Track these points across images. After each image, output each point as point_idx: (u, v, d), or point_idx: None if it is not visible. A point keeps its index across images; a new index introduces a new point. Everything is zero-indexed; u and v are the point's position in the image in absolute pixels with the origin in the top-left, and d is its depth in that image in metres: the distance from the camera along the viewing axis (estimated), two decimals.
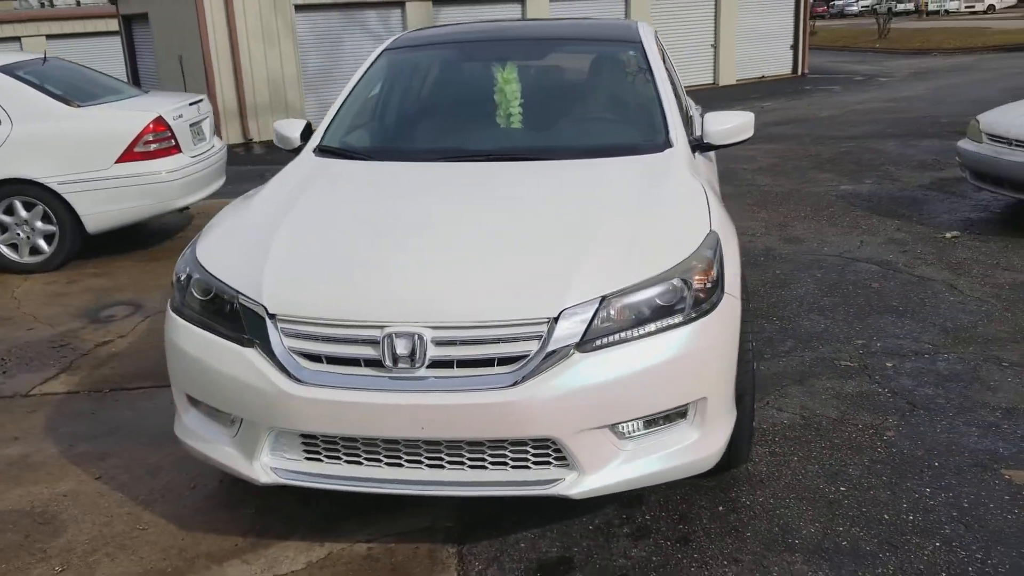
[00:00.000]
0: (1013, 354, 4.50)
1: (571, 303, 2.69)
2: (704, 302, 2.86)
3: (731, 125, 3.95)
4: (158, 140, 6.63)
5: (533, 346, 2.66)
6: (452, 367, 2.68)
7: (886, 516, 3.16)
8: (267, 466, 2.87)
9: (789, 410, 3.99)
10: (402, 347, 2.67)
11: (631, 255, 2.88)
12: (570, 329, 2.67)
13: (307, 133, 4.18)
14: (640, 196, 3.26)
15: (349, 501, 3.32)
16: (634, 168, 3.55)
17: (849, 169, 9.50)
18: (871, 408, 3.98)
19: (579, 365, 2.65)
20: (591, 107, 4.21)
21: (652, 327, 2.76)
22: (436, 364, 2.68)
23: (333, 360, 2.75)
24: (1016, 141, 6.67)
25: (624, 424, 2.75)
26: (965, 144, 7.28)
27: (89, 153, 6.59)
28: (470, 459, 2.75)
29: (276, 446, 2.87)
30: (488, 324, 2.66)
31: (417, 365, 2.67)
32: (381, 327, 2.69)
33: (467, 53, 4.46)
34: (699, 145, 3.96)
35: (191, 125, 7.19)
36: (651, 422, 2.80)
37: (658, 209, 3.18)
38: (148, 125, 6.62)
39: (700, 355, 2.81)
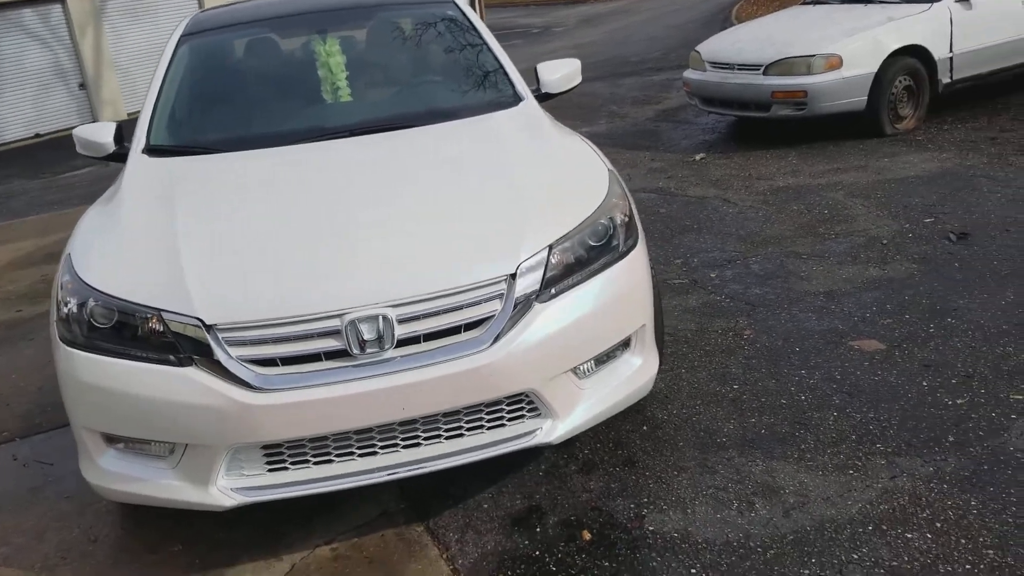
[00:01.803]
0: (804, 247, 5.12)
1: (525, 256, 2.73)
2: (628, 236, 3.02)
3: (564, 72, 4.12)
4: None
5: (497, 305, 2.68)
6: (419, 342, 2.63)
7: (783, 401, 3.53)
8: (227, 488, 2.66)
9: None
10: (368, 331, 2.58)
11: (558, 203, 2.96)
12: (528, 282, 2.72)
13: (120, 137, 3.81)
14: (530, 148, 3.34)
15: (282, 512, 3.16)
16: (504, 124, 3.61)
17: (577, 114, 10.07)
18: (720, 315, 4.38)
19: (541, 315, 2.71)
20: (432, 70, 4.19)
21: (594, 267, 2.87)
22: (402, 342, 2.62)
23: (289, 360, 2.59)
24: (738, 65, 7.45)
25: (582, 365, 2.85)
26: (690, 74, 8.01)
27: None
28: (447, 430, 2.72)
29: (233, 465, 2.67)
30: (451, 291, 2.64)
31: (385, 347, 2.59)
32: (340, 315, 2.58)
33: (282, 29, 4.24)
34: (539, 95, 4.09)
35: None
36: (600, 359, 2.93)
37: (554, 158, 3.28)
38: None
39: (636, 285, 2.97)
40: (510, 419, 2.78)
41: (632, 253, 2.98)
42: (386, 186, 3.10)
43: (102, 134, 3.80)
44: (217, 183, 3.32)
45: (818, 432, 3.28)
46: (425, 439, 2.72)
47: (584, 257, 2.86)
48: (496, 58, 4.05)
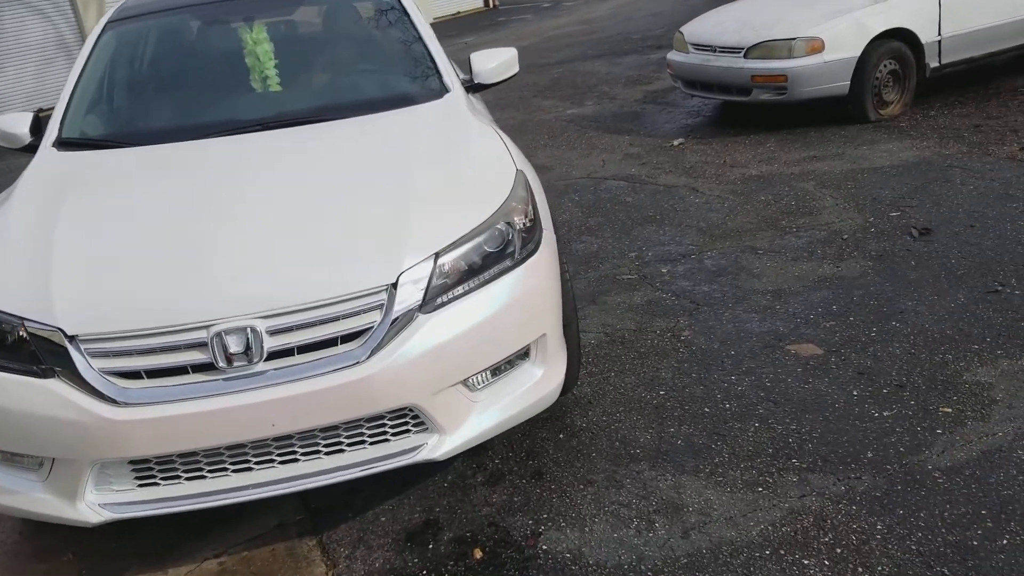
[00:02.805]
0: (762, 241, 4.96)
1: (408, 265, 2.62)
2: (529, 241, 2.90)
3: (499, 62, 3.98)
4: None
5: (376, 317, 2.57)
6: (292, 355, 2.53)
7: (707, 409, 3.40)
8: (94, 504, 2.58)
9: (592, 330, 4.16)
10: (235, 344, 2.48)
11: (452, 207, 2.84)
12: (410, 292, 2.60)
13: (37, 127, 3.71)
14: (439, 145, 3.22)
15: (181, 521, 3.09)
16: (421, 118, 3.48)
17: (568, 93, 9.89)
18: (662, 313, 4.24)
19: (425, 327, 2.60)
20: (358, 60, 4.06)
21: (487, 275, 2.75)
22: (274, 355, 2.52)
23: (155, 373, 2.50)
24: (719, 47, 7.24)
25: (474, 376, 2.74)
26: (674, 56, 7.81)
27: None
28: (326, 446, 2.63)
29: (102, 480, 2.59)
30: (326, 302, 2.54)
31: (255, 360, 2.49)
32: (206, 327, 2.48)
33: (208, 16, 4.12)
34: (471, 86, 3.96)
35: None
36: (497, 369, 2.81)
37: (461, 156, 3.15)
38: None
39: (535, 293, 2.85)
40: (394, 434, 2.68)
41: (531, 260, 2.86)
42: (279, 186, 2.99)
43: (18, 125, 3.70)
44: (110, 182, 3.22)
45: (735, 444, 3.16)
46: (303, 455, 2.63)
47: (477, 264, 2.75)
48: (426, 48, 3.92)
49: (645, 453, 3.18)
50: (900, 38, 6.89)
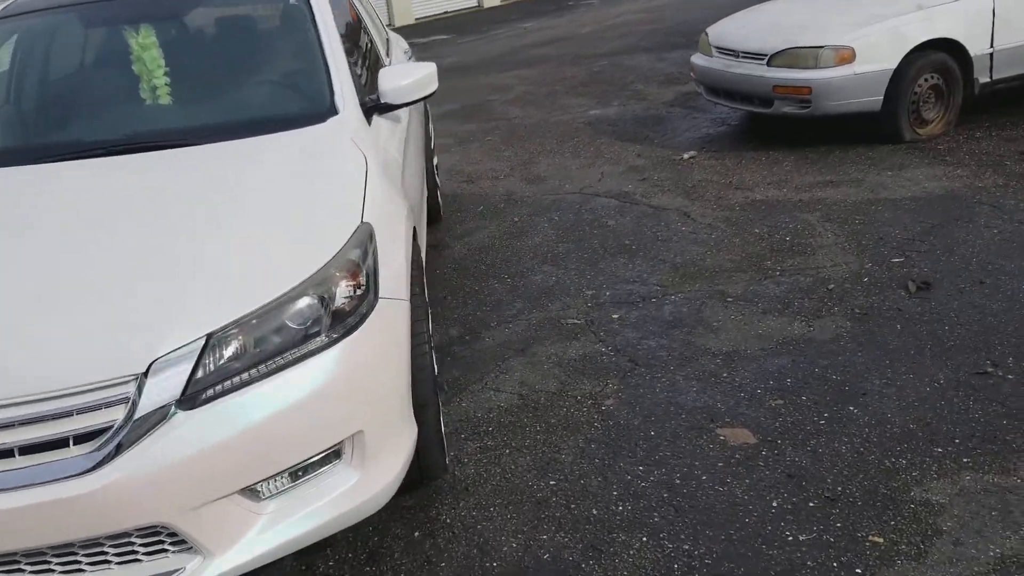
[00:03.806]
0: (737, 286, 4.35)
1: (165, 351, 2.16)
2: (350, 315, 2.41)
3: (410, 80, 3.48)
4: None
5: (119, 413, 2.12)
6: (13, 456, 2.09)
7: (595, 511, 2.87)
8: None
9: (507, 389, 3.65)
10: None
11: (251, 273, 2.37)
12: (167, 384, 2.14)
13: None
14: (280, 187, 2.74)
15: None
16: (283, 149, 3.00)
17: (600, 91, 9.28)
18: (593, 373, 3.70)
19: (184, 427, 2.14)
20: (245, 73, 3.59)
21: (280, 360, 2.27)
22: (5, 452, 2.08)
23: None
24: (743, 53, 6.56)
25: (263, 483, 2.27)
26: (697, 59, 7.15)
27: None
28: (60, 564, 2.19)
29: None
30: (54, 395, 2.10)
31: None
32: None
33: (90, 16, 3.72)
34: (377, 106, 3.46)
35: None
36: (297, 473, 2.34)
37: (297, 204, 2.66)
38: None
39: (350, 382, 2.36)
40: (147, 553, 2.22)
41: (350, 339, 2.36)
42: (62, 238, 2.56)
43: None
44: None
45: (609, 567, 2.62)
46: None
47: (268, 347, 2.27)
48: (325, 61, 3.42)
49: (502, 567, 2.67)
50: (945, 49, 6.10)
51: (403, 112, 3.73)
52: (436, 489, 3.04)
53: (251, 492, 2.26)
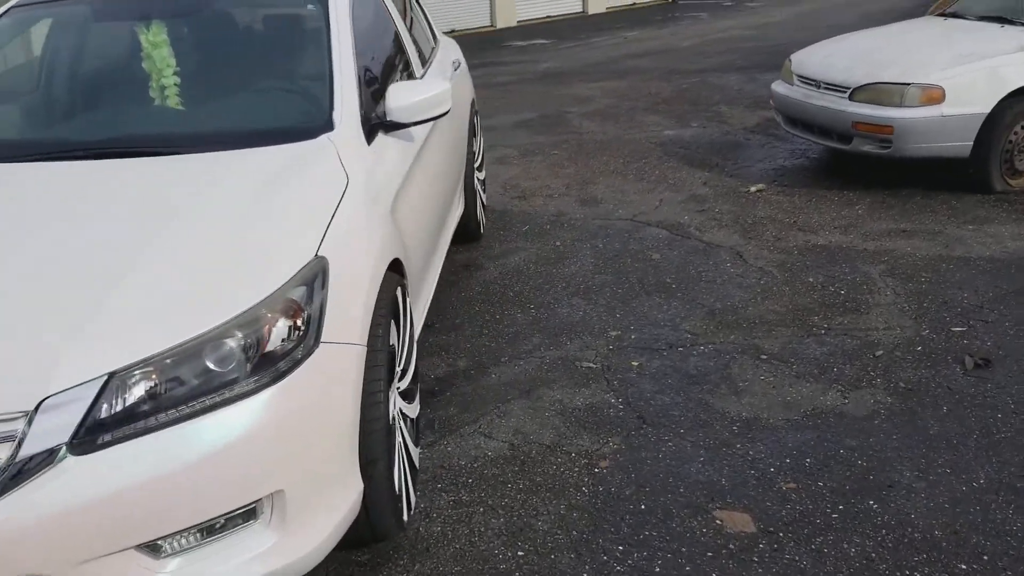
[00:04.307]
0: (775, 341, 3.98)
1: (58, 388, 1.97)
2: (281, 359, 2.18)
3: (419, 99, 3.25)
4: None
5: (4, 451, 1.94)
6: None
7: None
8: None
9: (500, 435, 3.38)
10: None
11: (173, 306, 2.16)
12: (57, 424, 1.96)
13: None
14: (234, 211, 2.53)
15: None
16: (260, 165, 2.80)
17: (681, 110, 8.90)
18: (595, 427, 3.40)
19: (74, 472, 1.95)
20: (247, 80, 3.41)
21: (195, 406, 2.06)
22: None
23: None
24: (824, 84, 6.13)
25: (166, 540, 2.06)
26: (778, 86, 6.73)
27: None
28: None
29: None
30: None
31: None
32: None
33: (103, 10, 3.61)
34: (383, 124, 3.24)
35: None
36: (207, 530, 2.12)
37: (249, 230, 2.44)
38: None
39: (271, 435, 2.14)
40: None
41: (275, 387, 2.14)
42: (14, 247, 2.41)
43: None
44: None
45: None
46: None
47: (181, 391, 2.06)
48: (331, 71, 3.21)
49: None
50: None
51: (418, 130, 3.50)
52: (395, 546, 2.79)
53: (150, 548, 2.06)
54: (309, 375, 2.22)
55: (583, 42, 15.29)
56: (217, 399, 2.08)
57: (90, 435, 1.97)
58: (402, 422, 2.88)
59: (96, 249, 2.35)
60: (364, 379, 2.43)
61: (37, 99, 3.43)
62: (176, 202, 2.56)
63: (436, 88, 3.28)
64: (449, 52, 5.10)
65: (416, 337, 3.33)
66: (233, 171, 2.74)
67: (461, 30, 17.82)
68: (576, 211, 5.97)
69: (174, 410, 2.04)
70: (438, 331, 4.27)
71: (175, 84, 3.32)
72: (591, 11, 20.70)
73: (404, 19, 4.35)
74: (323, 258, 2.38)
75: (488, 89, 10.96)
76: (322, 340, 2.27)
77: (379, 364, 2.49)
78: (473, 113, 5.26)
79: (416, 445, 3.07)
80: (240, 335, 2.13)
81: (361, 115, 3.15)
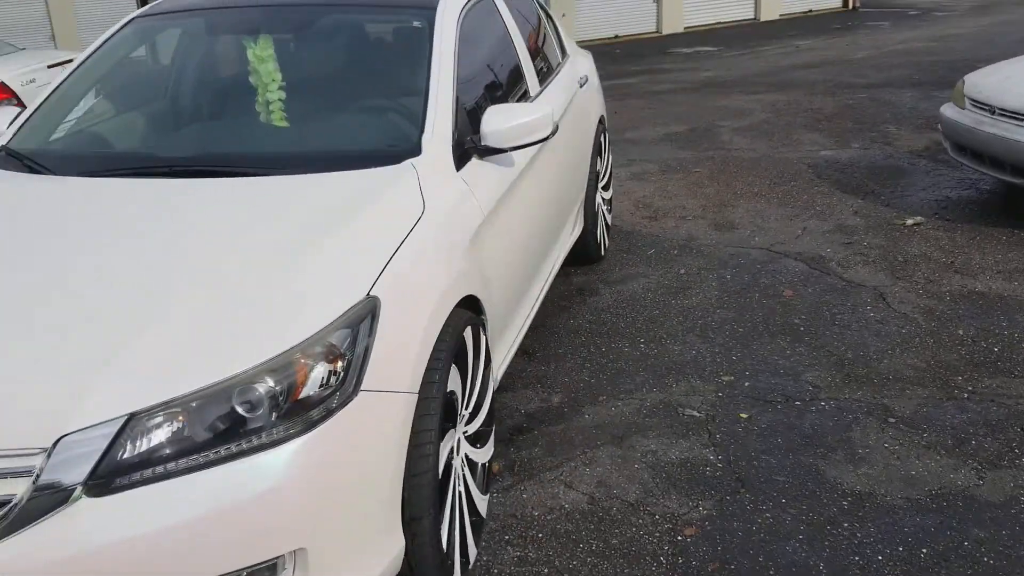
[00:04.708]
0: (908, 403, 3.55)
1: (77, 426, 1.90)
2: (314, 407, 2.04)
3: (514, 123, 3.06)
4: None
5: (20, 488, 1.88)
6: None
7: None
8: None
9: (581, 487, 3.14)
10: None
11: (206, 345, 2.05)
12: (73, 463, 1.88)
13: None
14: (291, 242, 2.40)
15: None
16: (335, 192, 2.67)
17: (843, 128, 8.33)
18: (686, 487, 3.11)
19: (87, 514, 1.87)
20: (343, 99, 3.31)
21: (219, 453, 1.95)
22: None
23: None
24: (999, 110, 5.52)
25: None
26: (947, 110, 6.13)
27: None
28: None
29: None
30: None
31: None
32: None
33: (221, 23, 3.60)
34: (473, 149, 3.08)
35: None
36: None
37: (301, 264, 2.30)
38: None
39: (293, 489, 1.99)
40: None
41: (304, 438, 2.00)
42: (50, 264, 2.38)
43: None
44: None
45: None
46: None
47: (205, 436, 1.95)
48: (426, 94, 3.06)
49: None
50: None
51: (519, 155, 3.31)
52: None
53: None
54: (344, 425, 2.07)
55: (750, 50, 14.69)
56: (244, 446, 1.96)
57: (106, 477, 1.88)
58: (466, 468, 2.70)
59: (141, 276, 2.28)
60: (412, 429, 2.26)
61: (139, 113, 3.46)
62: (234, 230, 2.46)
63: (535, 112, 3.08)
64: (578, 67, 4.88)
65: (497, 376, 3.15)
66: (304, 198, 2.63)
67: (625, 36, 17.55)
68: (708, 236, 5.63)
69: (197, 455, 1.94)
70: (538, 360, 4.07)
71: (279, 100, 3.27)
72: (763, 18, 19.93)
73: (527, 34, 4.17)
74: (375, 298, 2.23)
75: (641, 98, 10.67)
76: (363, 388, 2.11)
77: (431, 412, 2.32)
78: (601, 131, 5.02)
79: (484, 492, 2.88)
80: (271, 381, 2.01)
81: (454, 139, 3.00)
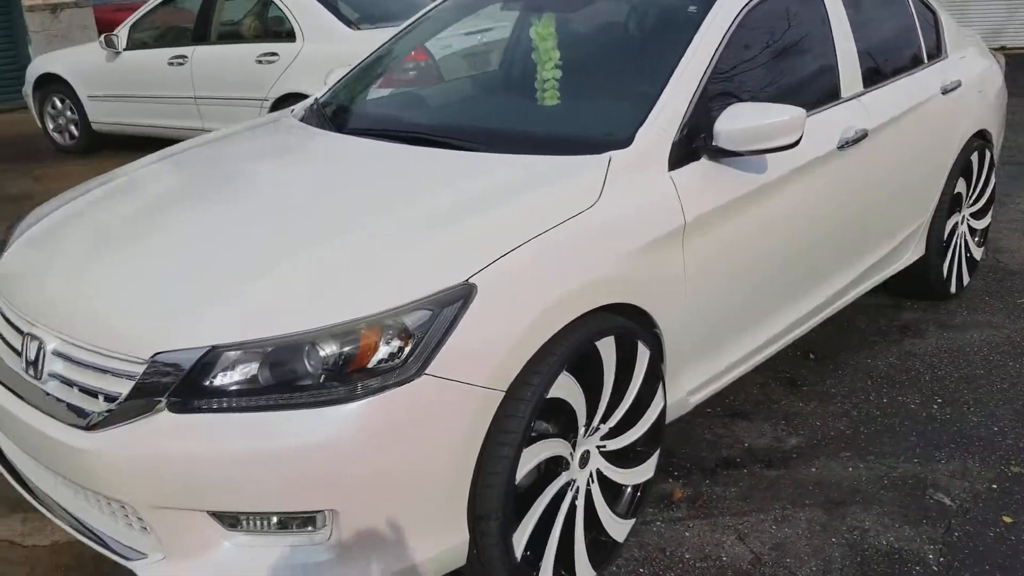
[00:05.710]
0: None
1: (168, 347, 2.13)
2: (372, 377, 2.07)
3: (747, 124, 2.72)
4: (419, 69, 6.63)
5: (124, 389, 2.17)
6: (72, 388, 2.30)
7: None
8: None
9: (754, 543, 2.78)
10: (32, 351, 2.38)
11: (297, 298, 2.17)
12: (162, 379, 2.12)
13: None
14: (437, 219, 2.39)
15: None
16: (517, 174, 2.60)
17: None
18: None
19: (165, 426, 2.10)
20: (594, 80, 3.19)
21: (277, 399, 2.08)
22: (65, 381, 2.31)
23: None
24: None
25: (241, 516, 2.14)
26: None
27: None
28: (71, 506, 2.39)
29: None
30: (92, 348, 2.24)
31: (39, 375, 2.35)
32: (29, 324, 2.42)
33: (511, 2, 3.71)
34: (702, 149, 2.81)
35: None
36: (284, 523, 2.15)
37: (428, 238, 2.31)
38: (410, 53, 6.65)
39: (328, 451, 2.04)
40: (126, 523, 2.28)
41: (347, 407, 2.04)
42: (239, 206, 2.65)
43: (330, 76, 3.87)
44: (202, 172, 3.14)
45: None
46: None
47: (269, 380, 2.08)
48: (665, 79, 2.84)
49: None
50: None
51: (771, 162, 2.95)
52: None
53: (224, 519, 2.15)
54: (399, 404, 2.06)
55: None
56: (299, 400, 2.06)
57: (186, 397, 2.09)
58: (594, 484, 2.55)
59: (294, 225, 2.45)
60: (492, 426, 2.19)
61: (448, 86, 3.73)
62: (405, 196, 2.53)
63: (780, 115, 2.71)
64: (952, 70, 4.15)
65: (690, 401, 2.89)
66: (484, 177, 2.62)
67: (1012, 48, 14.36)
68: None
69: (260, 397, 2.08)
70: (801, 394, 3.63)
71: (554, 79, 3.28)
72: None
73: (866, 28, 3.65)
74: (471, 286, 2.17)
75: None
76: (427, 372, 2.09)
77: (518, 415, 2.21)
78: (974, 148, 4.24)
79: (628, 516, 2.68)
80: (334, 344, 2.07)
81: (680, 135, 2.76)
